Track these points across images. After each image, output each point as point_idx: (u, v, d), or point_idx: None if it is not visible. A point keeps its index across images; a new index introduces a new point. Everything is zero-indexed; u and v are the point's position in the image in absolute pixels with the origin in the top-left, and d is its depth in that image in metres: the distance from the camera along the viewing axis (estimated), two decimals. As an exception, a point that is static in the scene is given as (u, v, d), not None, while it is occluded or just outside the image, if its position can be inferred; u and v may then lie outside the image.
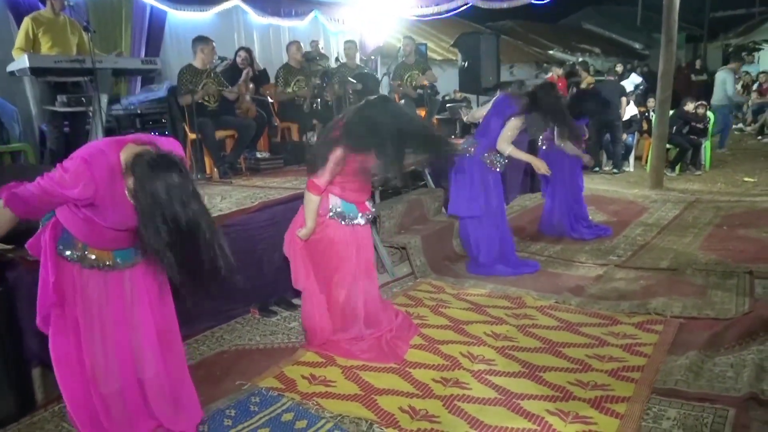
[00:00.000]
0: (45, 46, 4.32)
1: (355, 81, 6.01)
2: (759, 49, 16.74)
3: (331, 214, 2.98)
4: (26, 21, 4.29)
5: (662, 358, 2.78)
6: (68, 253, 2.02)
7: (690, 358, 2.71)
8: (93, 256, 2.03)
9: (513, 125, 4.01)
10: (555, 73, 9.79)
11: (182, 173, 1.77)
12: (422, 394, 2.62)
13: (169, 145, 2.11)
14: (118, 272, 2.11)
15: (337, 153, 2.80)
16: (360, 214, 3.06)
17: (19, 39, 4.29)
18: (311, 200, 2.93)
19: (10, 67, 4.24)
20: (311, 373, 2.86)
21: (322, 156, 2.86)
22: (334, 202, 2.99)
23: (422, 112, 6.80)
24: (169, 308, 2.29)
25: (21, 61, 4.02)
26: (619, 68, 10.23)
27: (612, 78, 8.39)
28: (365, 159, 3.00)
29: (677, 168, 7.75)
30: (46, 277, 2.03)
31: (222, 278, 1.88)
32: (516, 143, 4.10)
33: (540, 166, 4.13)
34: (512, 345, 3.06)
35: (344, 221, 3.01)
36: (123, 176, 1.85)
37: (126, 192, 1.87)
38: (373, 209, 3.21)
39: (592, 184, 7.05)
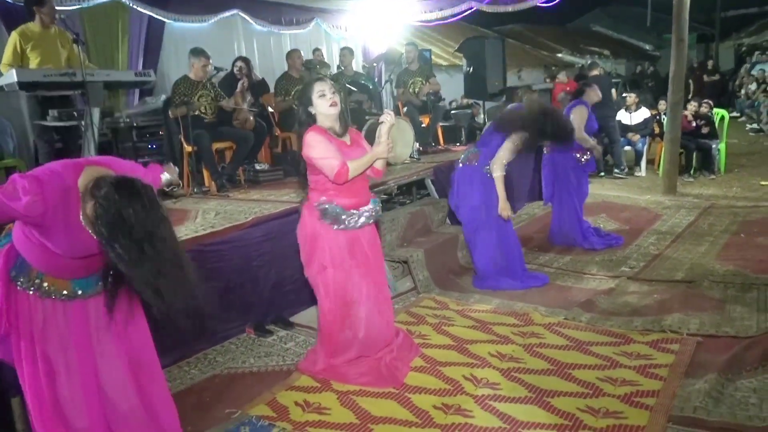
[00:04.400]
0: (34, 61, 4.21)
1: (355, 89, 5.88)
2: (773, 48, 16.43)
3: (319, 214, 2.80)
4: (13, 36, 4.19)
5: (679, 382, 2.60)
6: (22, 281, 1.88)
7: (709, 381, 2.53)
8: (47, 285, 1.90)
9: (509, 147, 3.88)
10: (560, 80, 9.66)
11: (147, 199, 1.63)
12: (422, 423, 2.46)
13: (131, 168, 2.01)
14: (80, 301, 1.98)
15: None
16: (354, 212, 2.82)
17: (6, 55, 4.18)
18: (353, 172, 2.72)
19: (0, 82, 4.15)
20: (305, 399, 2.71)
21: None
22: (323, 205, 2.80)
23: (426, 120, 6.66)
24: (142, 334, 2.15)
25: (9, 76, 3.92)
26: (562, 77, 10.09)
27: (598, 72, 8.14)
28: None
29: (692, 171, 7.53)
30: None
31: (193, 305, 1.74)
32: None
33: (503, 209, 3.95)
34: (518, 367, 2.88)
35: (337, 225, 2.81)
36: (80, 200, 1.73)
37: (81, 218, 1.74)
38: (376, 206, 2.95)
39: (603, 190, 6.85)
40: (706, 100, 7.88)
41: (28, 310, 1.90)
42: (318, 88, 2.76)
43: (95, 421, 2.02)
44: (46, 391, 1.93)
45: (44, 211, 1.68)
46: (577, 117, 4.79)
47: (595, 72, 7.98)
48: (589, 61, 12.44)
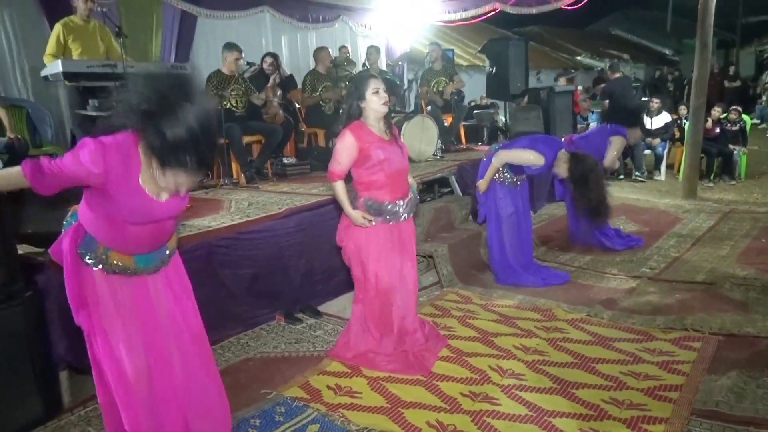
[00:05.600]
0: (75, 53, 4.36)
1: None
2: (795, 56, 16.27)
3: (366, 211, 2.90)
4: (57, 27, 4.34)
5: (701, 378, 2.67)
6: (89, 258, 1.97)
7: (731, 378, 2.60)
8: (114, 261, 1.98)
9: (521, 155, 3.98)
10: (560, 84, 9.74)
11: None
12: (450, 409, 2.56)
13: None
14: (141, 277, 2.07)
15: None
16: (397, 205, 2.92)
17: (50, 45, 4.33)
18: (334, 188, 2.91)
19: (44, 72, 4.29)
20: (337, 384, 2.82)
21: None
22: (363, 200, 2.92)
23: (449, 119, 6.75)
24: (195, 312, 2.24)
25: (54, 66, 4.06)
26: (562, 81, 10.08)
27: (620, 74, 8.21)
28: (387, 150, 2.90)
29: (712, 176, 7.56)
30: (69, 280, 2.00)
31: None
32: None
33: (480, 183, 4.15)
34: (543, 359, 2.97)
35: (383, 218, 2.90)
36: (140, 165, 1.83)
37: (141, 182, 1.84)
38: (414, 195, 3.05)
39: (623, 193, 6.90)
40: (734, 107, 7.89)
41: (94, 286, 2.00)
42: (374, 84, 2.84)
43: (164, 396, 2.11)
44: (114, 366, 2.02)
45: (106, 172, 1.76)
46: (616, 146, 4.87)
47: (618, 74, 8.02)
48: (608, 64, 12.44)
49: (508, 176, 4.10)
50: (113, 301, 2.02)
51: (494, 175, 4.10)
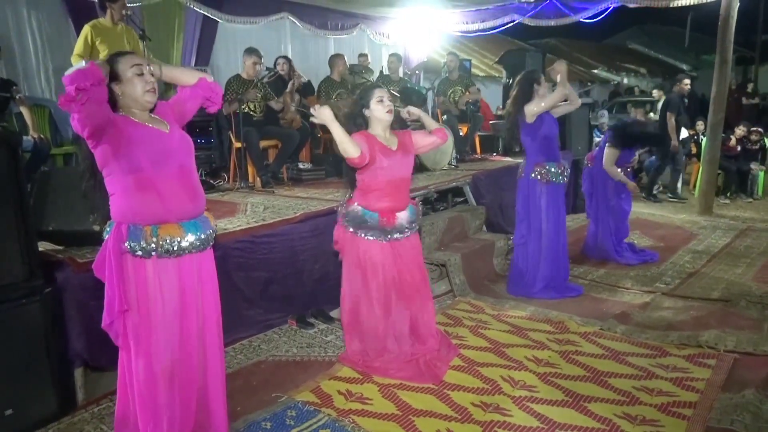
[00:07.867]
0: (102, 54, 4.43)
1: (398, 94, 6.00)
2: (815, 74, 16.12)
3: (347, 222, 2.94)
4: (86, 29, 4.41)
5: (716, 395, 2.64)
6: (139, 250, 1.98)
7: (747, 397, 2.57)
8: (166, 237, 1.99)
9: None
10: None
11: None
12: (461, 418, 2.55)
13: None
14: (189, 257, 2.07)
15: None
16: (384, 229, 2.92)
17: (78, 46, 4.41)
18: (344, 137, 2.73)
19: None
20: (348, 389, 2.82)
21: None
22: (353, 208, 2.95)
23: (464, 129, 6.76)
24: (218, 304, 2.26)
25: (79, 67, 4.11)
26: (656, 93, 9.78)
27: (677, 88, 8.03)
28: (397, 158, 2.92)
29: (729, 194, 7.51)
30: (112, 287, 2.00)
31: None
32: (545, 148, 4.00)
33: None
34: (555, 372, 2.96)
35: (366, 234, 2.91)
36: (126, 114, 2.04)
37: (138, 120, 2.03)
38: (411, 222, 3.02)
39: (637, 208, 6.83)
40: (756, 128, 7.84)
41: (146, 282, 2.01)
42: (378, 93, 2.94)
43: (190, 391, 2.15)
44: (141, 367, 2.05)
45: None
46: (607, 153, 4.86)
47: (680, 86, 7.49)
48: (625, 80, 12.37)
49: (554, 170, 3.96)
50: (161, 297, 2.02)
51: (535, 174, 3.98)
